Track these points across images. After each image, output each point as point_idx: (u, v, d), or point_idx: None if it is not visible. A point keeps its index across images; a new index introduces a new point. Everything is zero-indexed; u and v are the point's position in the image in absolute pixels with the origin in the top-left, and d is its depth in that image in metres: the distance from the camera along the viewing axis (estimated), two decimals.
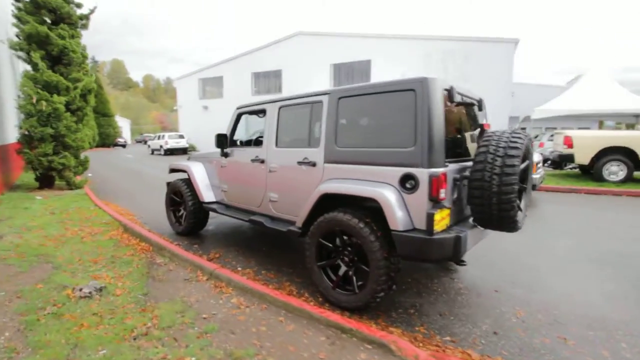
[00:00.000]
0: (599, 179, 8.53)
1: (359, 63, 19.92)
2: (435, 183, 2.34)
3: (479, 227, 2.69)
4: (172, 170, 5.07)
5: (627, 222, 5.41)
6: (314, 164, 3.05)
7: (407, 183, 2.45)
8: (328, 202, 2.90)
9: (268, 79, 23.24)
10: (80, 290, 2.80)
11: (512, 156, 2.41)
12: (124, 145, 36.52)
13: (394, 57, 18.39)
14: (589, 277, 3.37)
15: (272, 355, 2.07)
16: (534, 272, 3.49)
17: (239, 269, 3.57)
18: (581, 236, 4.66)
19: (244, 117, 4.18)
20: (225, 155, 4.13)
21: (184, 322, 2.43)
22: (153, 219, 5.67)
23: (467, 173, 2.63)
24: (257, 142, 4.69)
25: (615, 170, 8.48)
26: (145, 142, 40.86)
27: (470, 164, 2.88)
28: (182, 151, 23.60)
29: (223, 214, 4.15)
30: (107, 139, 33.13)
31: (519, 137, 2.49)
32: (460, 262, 2.52)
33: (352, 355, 2.08)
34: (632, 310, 2.73)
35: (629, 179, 8.36)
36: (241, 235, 4.90)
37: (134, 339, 2.20)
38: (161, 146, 23.49)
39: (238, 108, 4.11)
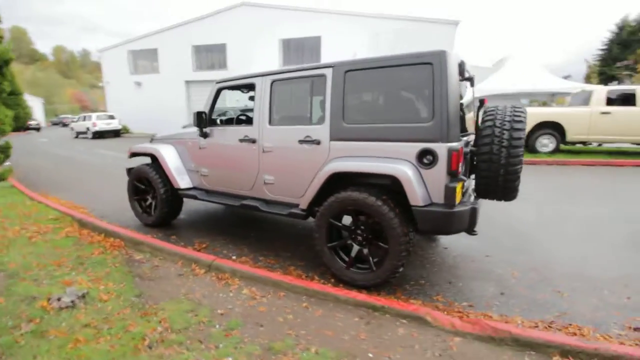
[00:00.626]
0: (533, 150, 9.62)
1: (309, 39, 19.41)
2: (455, 157, 2.37)
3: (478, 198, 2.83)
4: (133, 155, 4.48)
5: (567, 185, 6.21)
6: (318, 142, 2.89)
7: (425, 158, 2.45)
8: (333, 182, 2.80)
9: (211, 53, 21.56)
10: (59, 300, 2.36)
11: (518, 129, 2.54)
12: (37, 129, 31.49)
13: (344, 35, 18.24)
14: (556, 237, 3.81)
15: (312, 342, 1.97)
16: (513, 235, 3.83)
17: (234, 258, 3.33)
18: (537, 201, 5.23)
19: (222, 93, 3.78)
20: (205, 135, 3.73)
21: (201, 321, 2.19)
22: (109, 210, 5.01)
23: (470, 147, 2.73)
24: (240, 121, 4.36)
25: (545, 143, 9.63)
26: (64, 125, 35.70)
27: (468, 138, 3.00)
28: (114, 134, 21.15)
29: (204, 200, 3.80)
30: (16, 122, 28.14)
31: (522, 111, 2.62)
32: (472, 232, 2.66)
33: (391, 332, 2.08)
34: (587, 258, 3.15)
35: (557, 150, 9.57)
36: (221, 221, 4.58)
37: (150, 347, 1.93)
38: (88, 128, 20.72)
39: (218, 82, 3.70)
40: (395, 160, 2.52)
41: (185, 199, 4.26)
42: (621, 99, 8.84)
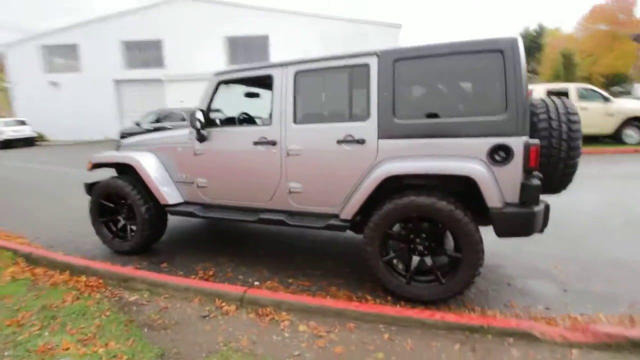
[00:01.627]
0: (620, 141, 9.32)
1: (256, 38, 18.61)
2: (533, 152, 2.17)
3: None
4: (96, 167, 3.57)
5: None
6: (362, 142, 2.49)
7: (497, 155, 2.22)
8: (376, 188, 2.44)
9: (145, 51, 19.46)
10: None
11: (576, 122, 2.45)
12: None
13: (292, 35, 17.83)
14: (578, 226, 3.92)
15: None
16: None
17: (257, 283, 2.76)
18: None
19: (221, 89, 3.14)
20: (202, 139, 3.07)
21: None
22: (58, 237, 3.96)
23: None
24: (243, 121, 3.72)
25: (630, 134, 9.30)
26: None
27: None
28: (25, 142, 17.86)
29: (205, 216, 3.14)
30: None
31: (572, 104, 2.55)
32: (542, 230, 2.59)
33: (506, 356, 1.79)
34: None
35: None
36: (209, 238, 3.89)
37: None
38: None
39: (217, 74, 3.06)
40: (464, 159, 2.25)
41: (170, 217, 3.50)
42: None
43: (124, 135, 11.93)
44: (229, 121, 3.52)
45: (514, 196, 2.22)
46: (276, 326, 2.12)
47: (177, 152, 3.25)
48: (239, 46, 19.08)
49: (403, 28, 18.21)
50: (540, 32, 35.84)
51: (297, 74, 2.72)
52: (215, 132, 3.06)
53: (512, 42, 2.17)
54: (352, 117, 2.60)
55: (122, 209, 3.46)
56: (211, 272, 2.97)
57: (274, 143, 2.78)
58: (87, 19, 19.65)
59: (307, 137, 2.69)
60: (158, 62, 19.30)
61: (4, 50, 20.35)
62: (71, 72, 19.97)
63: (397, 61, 2.41)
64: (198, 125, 2.94)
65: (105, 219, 3.52)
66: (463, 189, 2.40)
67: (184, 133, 3.25)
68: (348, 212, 2.55)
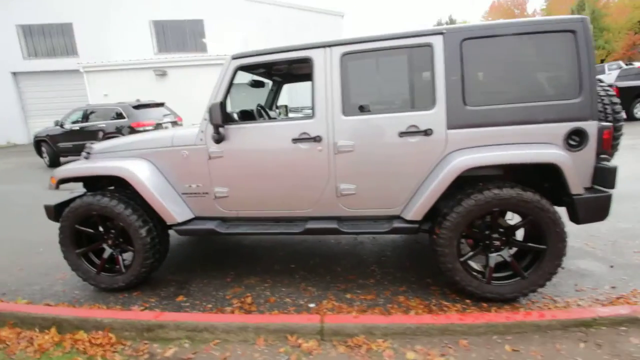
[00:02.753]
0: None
1: (189, 22, 16.91)
2: (607, 136, 2.15)
3: None
4: (64, 182, 2.73)
5: None
6: (429, 133, 2.23)
7: (572, 140, 2.15)
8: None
9: (50, 37, 16.38)
10: None
11: (617, 103, 2.51)
12: None
13: (231, 19, 16.60)
14: None
15: None
16: None
17: (312, 305, 2.36)
18: None
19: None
20: (220, 138, 2.48)
21: None
22: (6, 280, 2.99)
23: None
24: (261, 115, 3.16)
25: None
26: None
27: None
28: None
29: (231, 233, 2.59)
30: None
31: (608, 88, 2.61)
32: None
33: (627, 345, 1.73)
34: None
35: None
36: (217, 255, 3.30)
37: None
38: None
39: (236, 57, 2.48)
40: (543, 146, 2.14)
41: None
42: None
43: (39, 139, 9.89)
44: (247, 116, 2.95)
45: (586, 181, 2.20)
46: (379, 358, 1.79)
47: (182, 157, 2.61)
48: (169, 31, 17.17)
49: (345, 17, 18.21)
50: (451, 24, 39.43)
51: (344, 56, 2.31)
52: (236, 130, 2.51)
53: (584, 22, 2.09)
54: (414, 106, 2.31)
55: (108, 234, 2.70)
56: (249, 300, 2.46)
57: (319, 139, 2.36)
58: None
59: (362, 131, 2.33)
60: (69, 50, 16.45)
61: None
62: None
63: (465, 40, 2.18)
64: (219, 121, 2.36)
65: (83, 249, 2.72)
66: (531, 177, 2.32)
67: (190, 132, 2.62)
68: (417, 213, 2.28)
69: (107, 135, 9.01)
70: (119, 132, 8.81)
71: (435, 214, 2.29)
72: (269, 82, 3.88)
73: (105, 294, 2.69)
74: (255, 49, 2.48)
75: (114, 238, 2.69)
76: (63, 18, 15.94)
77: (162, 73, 13.48)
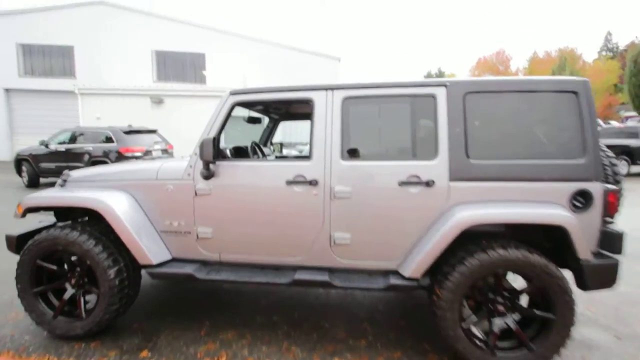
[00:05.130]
0: None
1: (190, 55, 17.37)
2: (613, 199, 2.07)
3: None
4: (32, 210, 2.48)
5: None
6: (430, 184, 2.12)
7: (576, 201, 2.07)
8: None
9: (50, 57, 16.50)
10: None
11: (616, 164, 2.48)
12: None
13: (232, 55, 17.13)
14: None
15: None
16: None
17: None
18: None
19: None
20: (209, 175, 2.32)
21: None
22: None
23: None
24: (255, 153, 3.03)
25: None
26: None
27: None
28: None
29: (211, 279, 2.34)
30: None
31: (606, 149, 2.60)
32: None
33: None
34: None
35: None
36: (189, 299, 2.99)
37: None
38: None
39: (234, 93, 2.40)
40: (549, 205, 2.04)
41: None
42: None
43: (21, 157, 9.53)
44: (240, 153, 2.83)
45: (593, 245, 2.09)
46: None
47: (166, 191, 2.43)
48: (169, 62, 17.55)
49: (342, 61, 19.06)
50: (440, 76, 42.12)
51: (345, 100, 2.25)
52: (228, 167, 2.36)
53: (585, 84, 2.11)
54: (416, 155, 2.22)
55: (72, 272, 2.42)
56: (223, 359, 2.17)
57: (314, 183, 2.23)
58: None
59: (360, 177, 2.21)
60: (67, 71, 16.53)
61: None
62: None
63: (468, 94, 2.15)
64: (210, 157, 2.22)
65: (42, 288, 2.42)
66: (532, 236, 2.21)
67: (177, 166, 2.46)
68: (417, 269, 2.10)
69: (93, 159, 8.76)
70: (105, 156, 8.58)
71: (434, 270, 2.12)
72: (264, 118, 3.82)
73: (60, 342, 2.35)
74: (255, 86, 2.42)
75: (78, 277, 2.40)
76: (65, 40, 16.19)
77: (158, 101, 13.53)
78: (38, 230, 2.54)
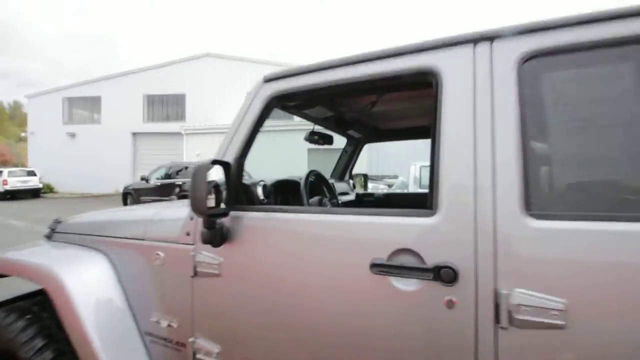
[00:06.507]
0: None
1: None
2: None
3: None
4: None
5: None
6: None
7: None
8: None
9: (167, 105, 19.03)
10: None
11: None
12: None
13: None
14: None
15: None
16: None
17: None
18: None
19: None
20: (222, 237, 1.17)
21: None
22: None
23: None
24: (313, 194, 1.88)
25: None
26: None
27: None
28: (32, 194, 16.65)
29: None
30: None
31: None
32: None
33: None
34: None
35: None
36: None
37: None
38: None
39: (268, 80, 1.26)
40: None
41: None
42: None
43: (127, 192, 10.41)
44: (287, 190, 1.65)
45: None
46: None
47: (154, 260, 1.35)
48: None
49: None
50: None
51: (529, 63, 0.87)
52: (253, 221, 1.18)
53: None
54: None
55: None
56: None
57: (448, 276, 0.85)
58: (111, 72, 19.75)
59: (594, 265, 0.76)
60: (180, 115, 18.75)
61: (29, 100, 20.37)
62: (90, 123, 19.58)
63: None
64: (212, 202, 1.08)
65: None
66: None
67: (175, 216, 1.38)
68: None
69: (182, 193, 8.93)
70: None
71: None
72: (340, 138, 2.52)
73: None
74: (307, 64, 1.22)
75: None
76: (177, 90, 18.51)
77: None
78: None
